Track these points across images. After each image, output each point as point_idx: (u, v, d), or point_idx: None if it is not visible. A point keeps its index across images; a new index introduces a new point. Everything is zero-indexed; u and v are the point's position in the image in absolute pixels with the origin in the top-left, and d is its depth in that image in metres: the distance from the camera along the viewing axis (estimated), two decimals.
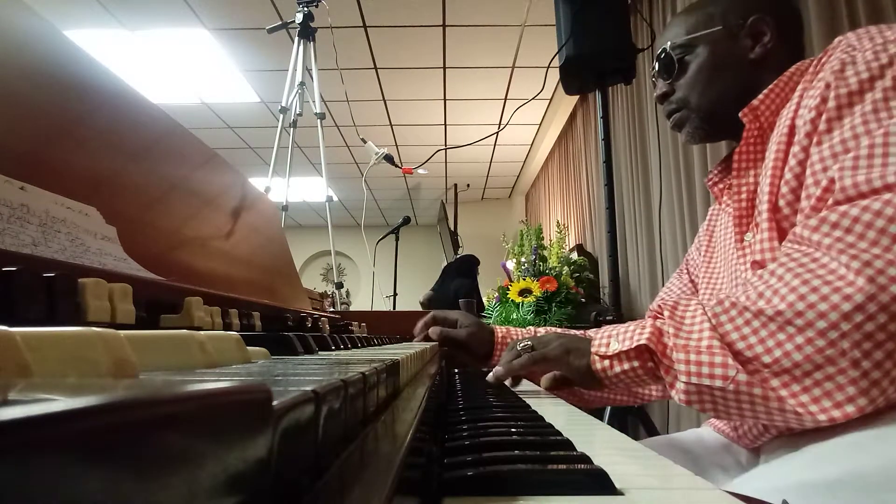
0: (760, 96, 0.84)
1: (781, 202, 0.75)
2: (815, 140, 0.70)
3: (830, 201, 0.65)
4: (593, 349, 0.78)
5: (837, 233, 0.61)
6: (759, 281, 0.65)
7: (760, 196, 0.81)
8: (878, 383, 0.57)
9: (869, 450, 0.59)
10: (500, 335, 1.13)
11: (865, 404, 0.57)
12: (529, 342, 0.88)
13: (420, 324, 1.17)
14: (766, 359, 0.61)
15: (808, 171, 0.70)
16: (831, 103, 0.70)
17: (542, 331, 1.15)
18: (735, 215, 0.88)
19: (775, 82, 0.84)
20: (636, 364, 0.73)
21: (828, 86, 0.71)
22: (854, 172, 0.63)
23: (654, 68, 1.03)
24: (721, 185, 1.03)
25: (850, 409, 0.58)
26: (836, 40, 0.76)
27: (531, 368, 0.86)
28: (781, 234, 0.75)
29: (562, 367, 0.83)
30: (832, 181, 0.65)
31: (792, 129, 0.76)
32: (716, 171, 1.04)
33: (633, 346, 0.73)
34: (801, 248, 0.64)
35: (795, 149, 0.73)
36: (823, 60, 0.76)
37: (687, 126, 0.98)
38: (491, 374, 0.91)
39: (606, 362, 0.76)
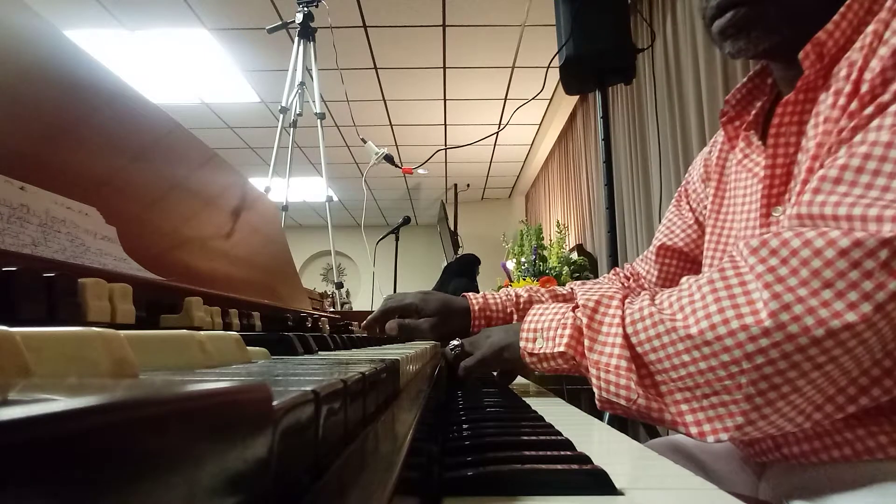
0: (830, 26, 0.64)
1: None
2: (858, 120, 0.59)
3: (791, 211, 0.62)
4: (521, 344, 0.80)
5: (773, 261, 0.58)
6: (686, 291, 0.65)
7: (800, 167, 0.70)
8: (766, 417, 0.59)
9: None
10: (476, 307, 1.06)
11: (750, 431, 0.60)
12: (459, 343, 0.91)
13: (369, 319, 1.08)
14: (673, 374, 0.63)
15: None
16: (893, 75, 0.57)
17: (524, 294, 1.10)
18: (766, 184, 0.74)
19: (847, 4, 0.64)
20: (560, 362, 0.76)
21: None
22: (820, 184, 0.59)
23: None
24: (738, 123, 0.83)
25: (735, 433, 0.60)
26: None
27: (475, 374, 0.89)
28: None
29: (499, 363, 0.87)
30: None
31: (854, 92, 0.62)
32: (733, 102, 0.83)
33: (554, 351, 0.75)
34: (738, 266, 0.61)
35: (846, 122, 0.61)
36: None
37: (756, 29, 0.69)
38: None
39: (534, 358, 0.78)
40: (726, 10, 0.70)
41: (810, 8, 0.68)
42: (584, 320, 0.72)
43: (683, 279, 0.68)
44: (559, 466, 0.39)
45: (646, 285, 1.12)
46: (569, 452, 0.44)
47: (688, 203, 1.03)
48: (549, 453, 0.44)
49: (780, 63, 0.77)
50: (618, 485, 0.37)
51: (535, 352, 0.77)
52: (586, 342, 0.71)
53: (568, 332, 0.74)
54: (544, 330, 0.77)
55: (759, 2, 0.69)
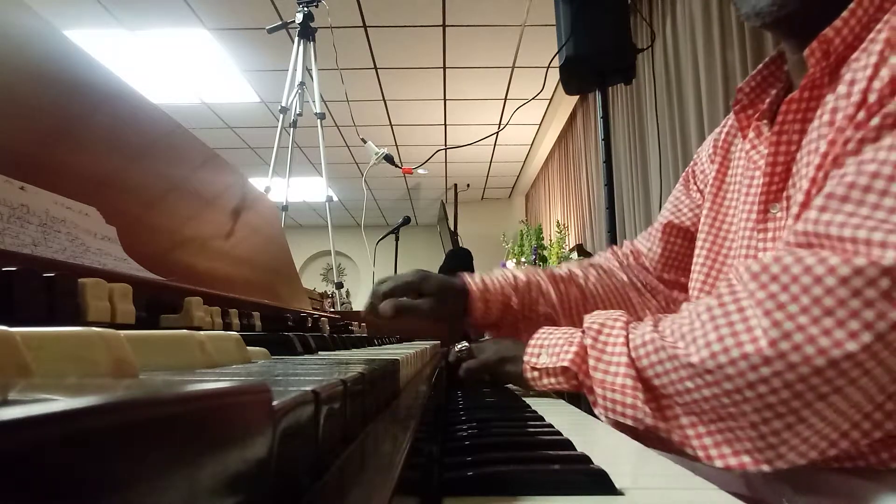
0: (838, 23, 0.64)
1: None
2: (865, 132, 0.59)
3: (797, 227, 0.60)
4: (525, 357, 0.79)
5: (774, 287, 0.57)
6: (686, 319, 0.64)
7: (798, 168, 0.70)
8: (775, 448, 0.57)
9: None
10: (476, 289, 0.98)
11: (761, 460, 0.58)
12: (466, 347, 0.91)
13: (367, 304, 0.99)
14: (678, 399, 0.63)
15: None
16: None
17: (522, 277, 1.03)
18: (765, 181, 0.74)
19: (856, 2, 0.64)
20: (562, 380, 0.75)
21: None
22: (826, 202, 0.57)
23: None
24: (751, 111, 0.81)
25: (746, 459, 0.59)
26: None
27: (475, 378, 0.89)
28: None
29: (499, 374, 0.87)
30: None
31: (863, 101, 0.61)
32: (746, 90, 0.81)
33: (557, 365, 0.74)
34: (735, 292, 0.60)
35: (852, 132, 0.61)
36: None
37: None
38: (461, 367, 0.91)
39: (536, 373, 0.78)
40: None
41: None
42: (589, 341, 0.72)
43: (684, 305, 0.67)
44: (559, 466, 0.39)
45: (647, 263, 1.05)
46: (569, 452, 0.44)
47: (695, 184, 1.00)
48: (549, 453, 0.44)
49: (791, 43, 0.76)
50: (618, 485, 0.37)
51: (538, 366, 0.77)
52: (591, 361, 0.70)
53: (574, 349, 0.73)
54: (550, 346, 0.77)
55: None
